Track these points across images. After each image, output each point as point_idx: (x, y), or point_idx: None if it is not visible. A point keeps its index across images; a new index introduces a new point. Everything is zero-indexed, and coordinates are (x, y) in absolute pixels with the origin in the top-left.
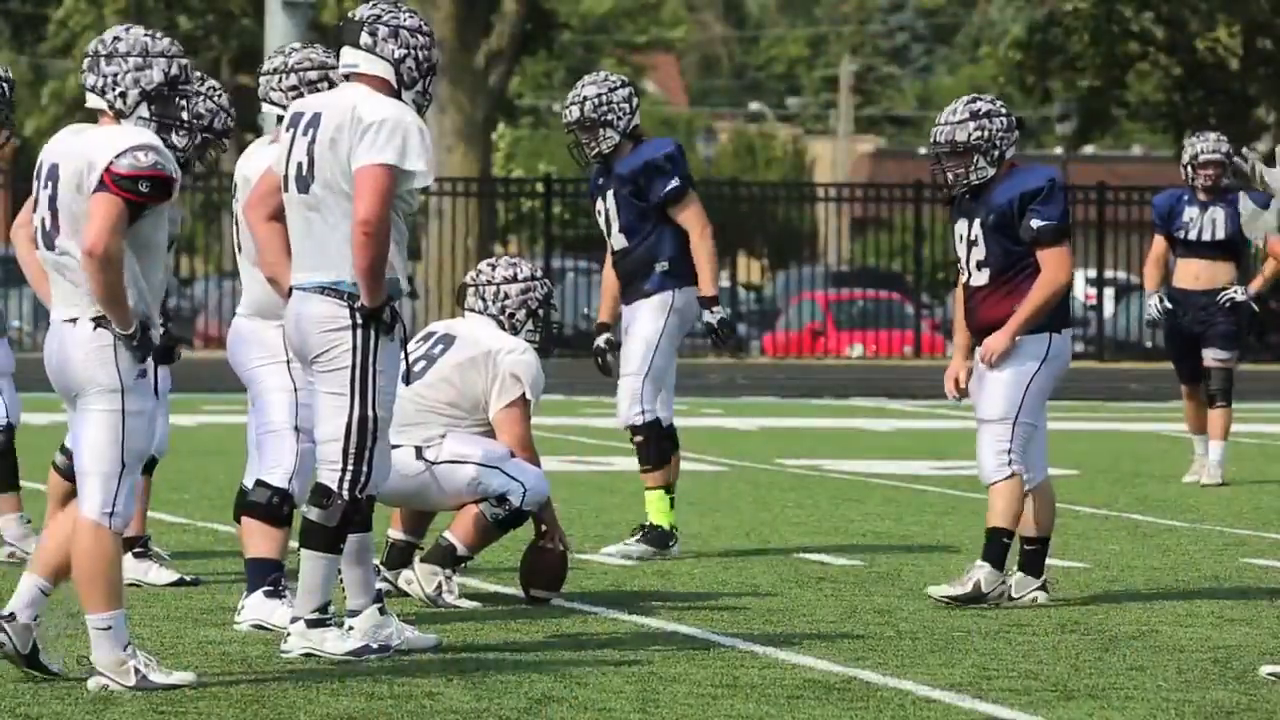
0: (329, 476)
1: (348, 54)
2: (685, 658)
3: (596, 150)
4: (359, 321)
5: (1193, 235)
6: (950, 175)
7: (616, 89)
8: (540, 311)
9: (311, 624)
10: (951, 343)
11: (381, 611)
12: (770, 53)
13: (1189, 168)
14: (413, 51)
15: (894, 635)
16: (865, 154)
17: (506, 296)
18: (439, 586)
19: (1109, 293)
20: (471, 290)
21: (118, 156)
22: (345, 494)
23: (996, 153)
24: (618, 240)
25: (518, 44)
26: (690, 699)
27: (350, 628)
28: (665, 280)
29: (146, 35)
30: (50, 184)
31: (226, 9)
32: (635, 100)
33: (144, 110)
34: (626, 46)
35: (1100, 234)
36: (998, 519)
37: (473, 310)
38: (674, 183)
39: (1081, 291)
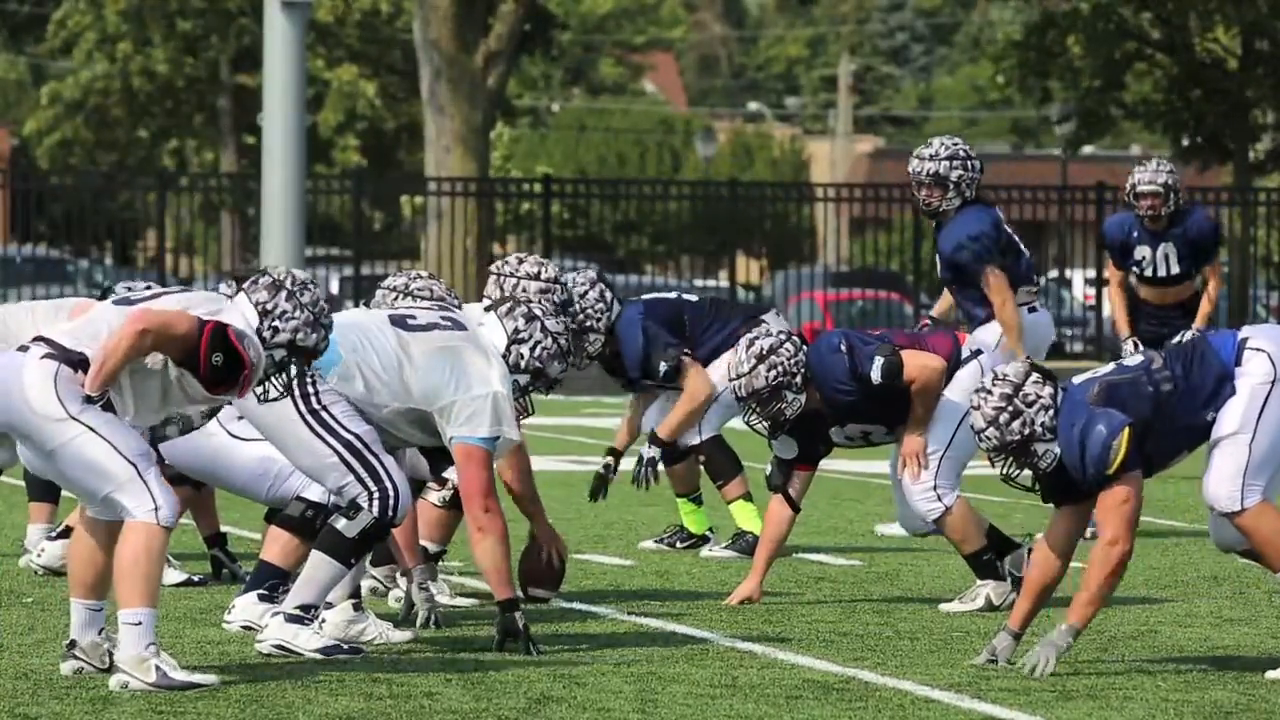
0: (363, 501)
1: None
2: (685, 658)
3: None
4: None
5: (1148, 273)
6: None
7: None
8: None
9: (290, 618)
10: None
11: (356, 608)
12: (769, 53)
13: (1130, 196)
14: None
15: (893, 635)
16: (864, 154)
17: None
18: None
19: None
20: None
21: (240, 330)
22: (375, 513)
23: None
24: None
25: (516, 44)
26: (689, 699)
27: (323, 620)
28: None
29: (324, 302)
30: (180, 290)
31: (226, 9)
32: None
33: (277, 353)
34: (626, 46)
35: (1100, 233)
36: (964, 546)
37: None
38: (662, 364)
39: (1080, 291)
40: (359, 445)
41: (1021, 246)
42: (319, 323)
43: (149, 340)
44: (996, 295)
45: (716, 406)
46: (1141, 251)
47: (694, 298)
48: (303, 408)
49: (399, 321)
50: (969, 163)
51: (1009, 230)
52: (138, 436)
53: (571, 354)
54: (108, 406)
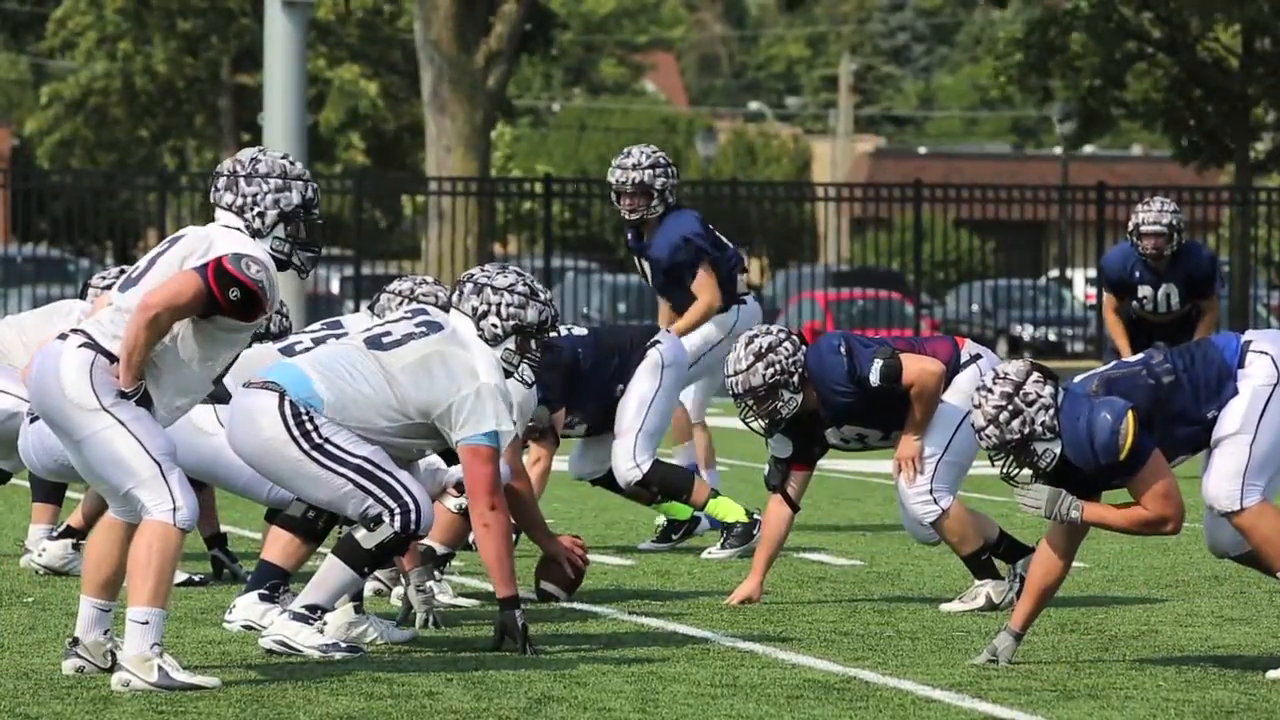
0: (386, 518)
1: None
2: (685, 658)
3: None
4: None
5: (1149, 308)
6: None
7: None
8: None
9: (295, 616)
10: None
11: (357, 610)
12: (769, 52)
13: (1133, 235)
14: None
15: (894, 635)
16: (865, 153)
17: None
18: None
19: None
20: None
21: (235, 254)
22: (397, 528)
23: None
24: None
25: (517, 44)
26: (690, 699)
27: (325, 622)
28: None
29: (283, 159)
30: (169, 245)
31: (226, 8)
32: None
33: (280, 230)
34: (626, 46)
35: (1100, 234)
36: (962, 548)
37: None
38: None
39: (1081, 291)
40: (369, 467)
41: (725, 240)
42: (530, 298)
43: (165, 319)
44: (706, 289)
45: (643, 436)
46: (1144, 290)
47: (583, 331)
48: (305, 445)
49: (375, 343)
50: (669, 170)
51: (710, 226)
52: (166, 436)
53: (540, 295)
54: (143, 401)
